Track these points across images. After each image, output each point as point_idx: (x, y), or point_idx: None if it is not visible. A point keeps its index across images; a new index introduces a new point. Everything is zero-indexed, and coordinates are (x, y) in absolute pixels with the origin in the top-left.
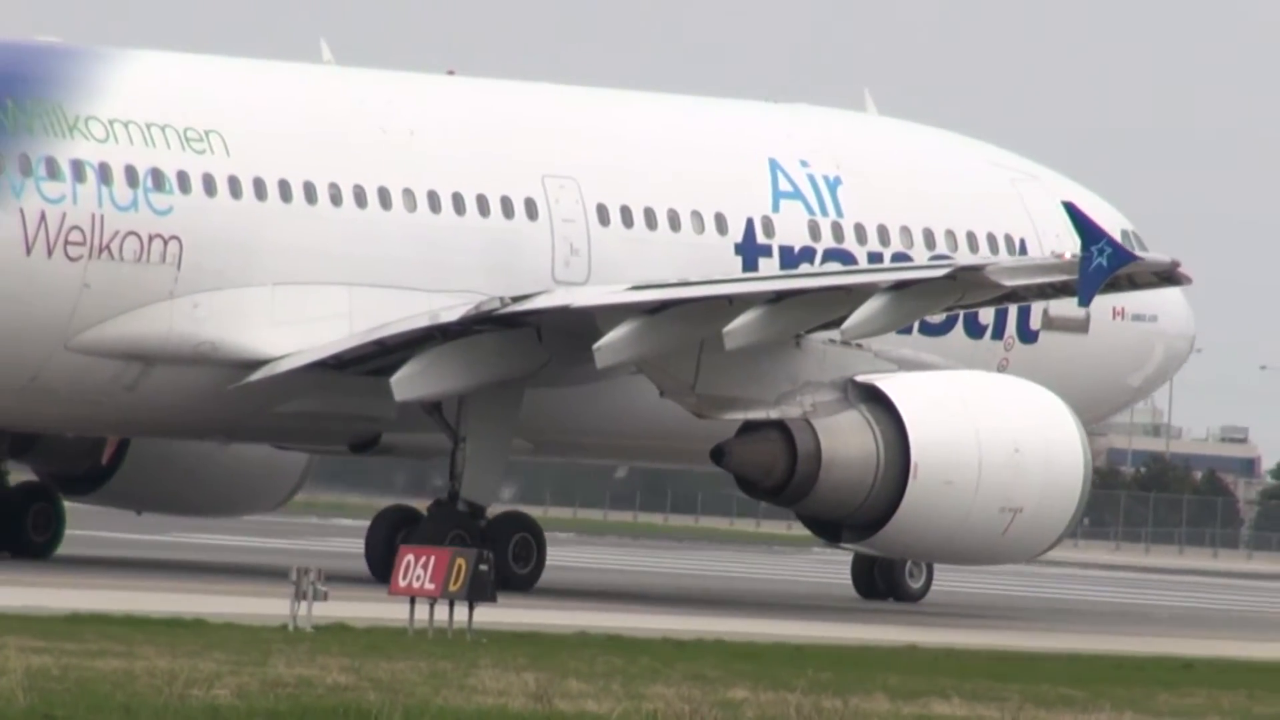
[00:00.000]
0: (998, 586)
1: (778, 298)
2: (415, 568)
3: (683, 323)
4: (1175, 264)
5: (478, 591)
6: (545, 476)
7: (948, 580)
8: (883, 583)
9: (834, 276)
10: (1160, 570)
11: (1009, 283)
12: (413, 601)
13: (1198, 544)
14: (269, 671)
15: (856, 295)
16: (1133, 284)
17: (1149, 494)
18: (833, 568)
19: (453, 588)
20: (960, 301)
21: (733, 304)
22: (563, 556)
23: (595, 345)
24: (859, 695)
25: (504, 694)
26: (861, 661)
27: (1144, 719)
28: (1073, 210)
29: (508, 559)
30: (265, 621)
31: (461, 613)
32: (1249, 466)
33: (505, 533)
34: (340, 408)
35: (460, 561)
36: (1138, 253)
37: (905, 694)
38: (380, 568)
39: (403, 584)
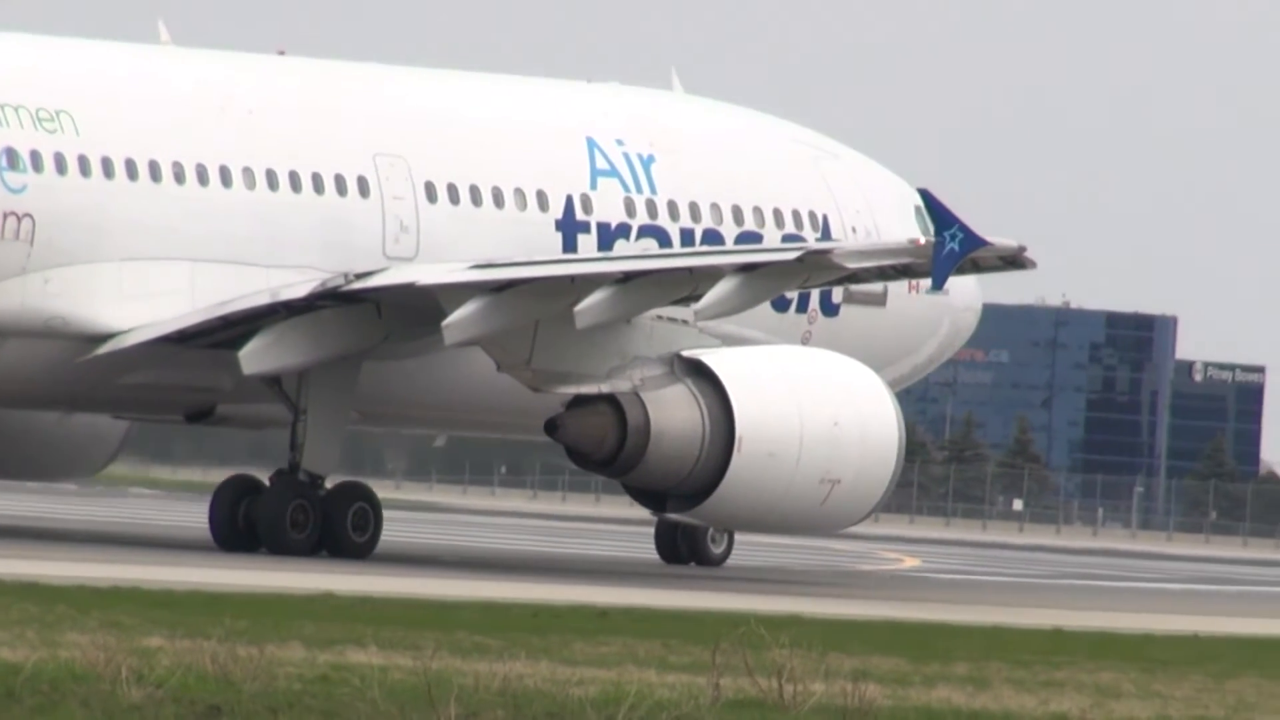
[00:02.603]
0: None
1: (625, 278)
2: None
3: (527, 300)
4: (1021, 249)
5: None
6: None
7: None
8: (685, 548)
9: (681, 258)
10: (577, 519)
11: (855, 265)
12: None
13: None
14: None
15: (698, 276)
16: (977, 267)
17: None
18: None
19: None
20: (806, 282)
21: (574, 283)
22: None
23: (444, 323)
24: (275, 643)
25: None
26: (278, 609)
27: (560, 668)
28: (927, 196)
29: (346, 528)
30: None
31: None
32: None
33: (344, 502)
34: (180, 379)
35: None
36: (987, 237)
37: (321, 642)
38: (224, 536)
39: None
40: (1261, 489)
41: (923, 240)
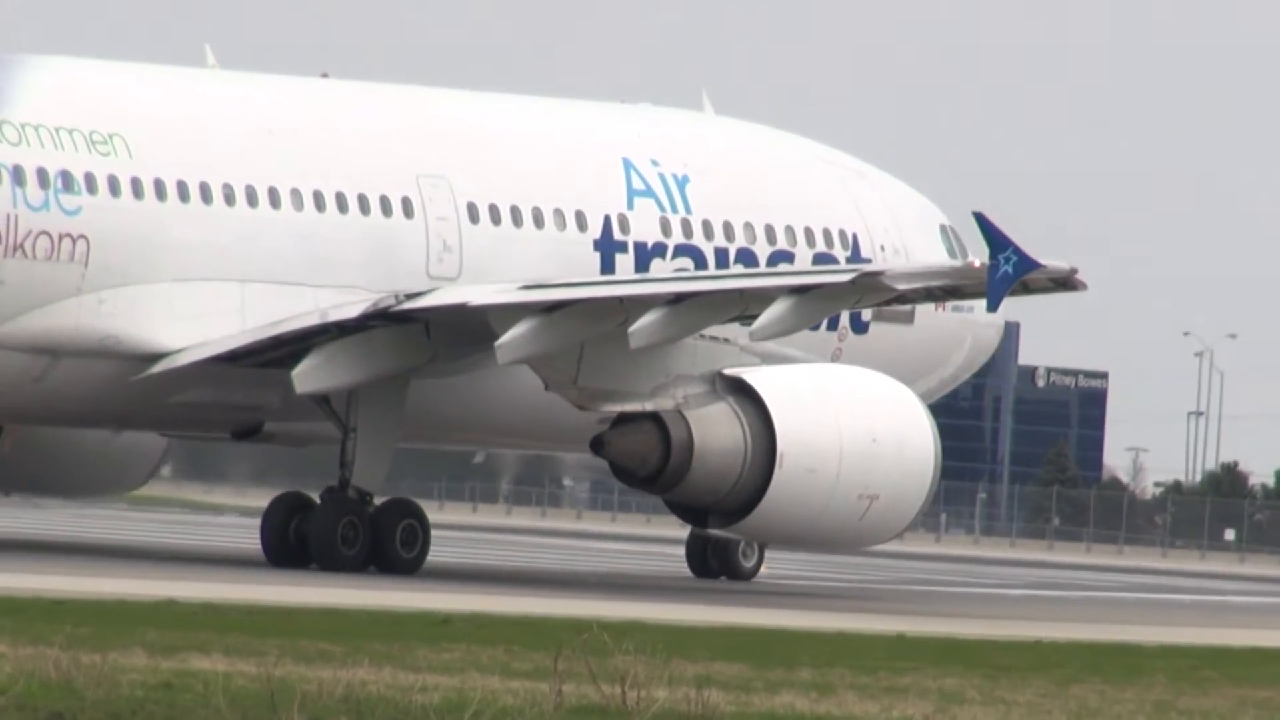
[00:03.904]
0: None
1: (677, 299)
2: None
3: (577, 321)
4: (1073, 270)
5: None
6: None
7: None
8: (716, 562)
9: (733, 279)
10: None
11: (907, 286)
12: None
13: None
14: None
15: (749, 296)
16: (1027, 289)
17: None
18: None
19: None
20: (858, 303)
21: (622, 303)
22: None
23: (497, 343)
24: (118, 650)
25: None
26: (121, 616)
27: (403, 674)
28: (981, 220)
29: (395, 543)
30: None
31: None
32: None
33: (392, 518)
34: (228, 398)
35: None
36: (1040, 260)
37: (164, 649)
38: (275, 552)
39: None
40: (1104, 495)
41: (978, 263)
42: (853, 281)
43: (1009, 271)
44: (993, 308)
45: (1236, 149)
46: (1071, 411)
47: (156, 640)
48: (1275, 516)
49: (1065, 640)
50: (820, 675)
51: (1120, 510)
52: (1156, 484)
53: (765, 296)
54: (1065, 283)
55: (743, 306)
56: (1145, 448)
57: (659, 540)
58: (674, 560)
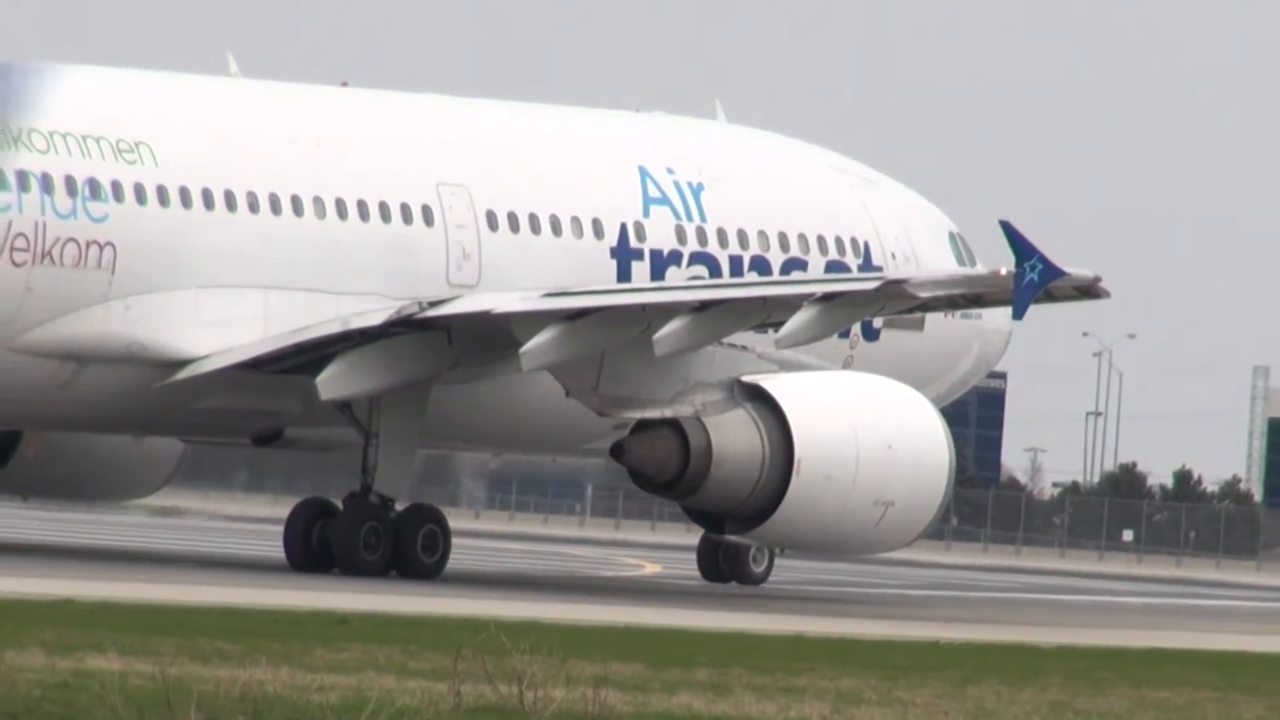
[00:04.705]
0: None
1: (701, 306)
2: None
3: (600, 328)
4: (1097, 279)
5: None
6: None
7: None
8: (727, 567)
9: (758, 287)
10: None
11: (930, 294)
12: None
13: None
14: None
15: (772, 304)
16: (1051, 297)
17: None
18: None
19: None
20: (881, 310)
21: (645, 311)
22: None
23: (521, 350)
24: (14, 650)
25: None
26: (17, 615)
27: (301, 674)
28: (1008, 228)
29: (416, 549)
30: None
31: None
32: None
33: (414, 524)
34: (251, 404)
35: None
36: (1064, 268)
37: (61, 648)
38: (298, 557)
39: None
40: (1002, 495)
41: (1004, 271)
42: (877, 290)
43: (1035, 279)
44: (1018, 315)
45: (1135, 148)
46: (969, 412)
47: (54, 639)
48: (1173, 518)
49: (962, 641)
50: (717, 675)
51: (1018, 511)
52: (1055, 484)
53: (788, 304)
54: (1089, 290)
55: (766, 314)
56: (1043, 448)
57: (556, 540)
58: (572, 561)
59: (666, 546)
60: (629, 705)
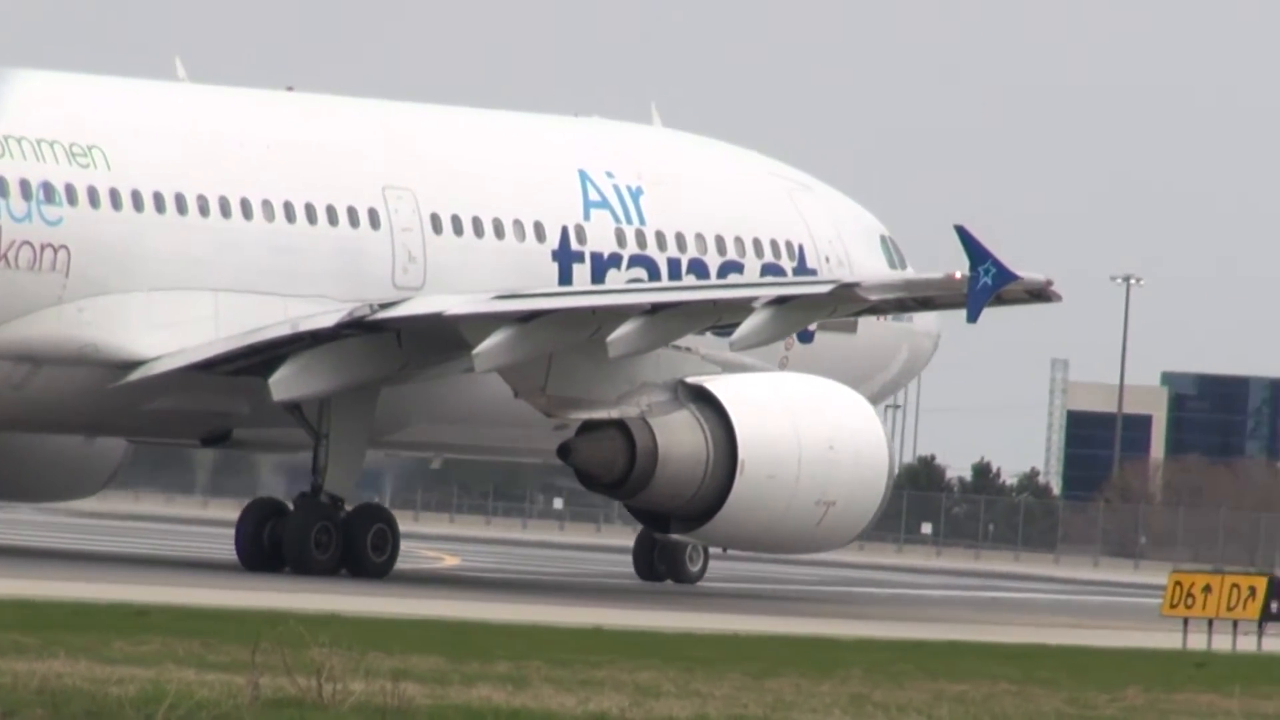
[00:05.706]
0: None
1: (653, 309)
2: None
3: (551, 330)
4: (1048, 283)
5: None
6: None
7: None
8: (663, 566)
9: (711, 290)
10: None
11: (881, 298)
12: None
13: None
14: None
15: (722, 307)
16: (1001, 300)
17: None
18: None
19: None
20: (833, 313)
21: (595, 313)
22: None
23: (474, 351)
24: None
25: None
26: None
27: (99, 666)
28: (962, 232)
29: (366, 548)
30: None
31: None
32: None
33: (364, 524)
34: (201, 405)
35: None
36: (1017, 272)
37: None
38: (249, 557)
39: None
40: None
41: (959, 275)
42: (830, 293)
43: (988, 283)
44: (973, 318)
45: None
46: None
47: None
48: (972, 510)
49: (762, 633)
50: (516, 668)
51: None
52: None
53: (739, 307)
54: (1040, 294)
55: (717, 317)
56: None
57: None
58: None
59: (467, 539)
60: (428, 698)
